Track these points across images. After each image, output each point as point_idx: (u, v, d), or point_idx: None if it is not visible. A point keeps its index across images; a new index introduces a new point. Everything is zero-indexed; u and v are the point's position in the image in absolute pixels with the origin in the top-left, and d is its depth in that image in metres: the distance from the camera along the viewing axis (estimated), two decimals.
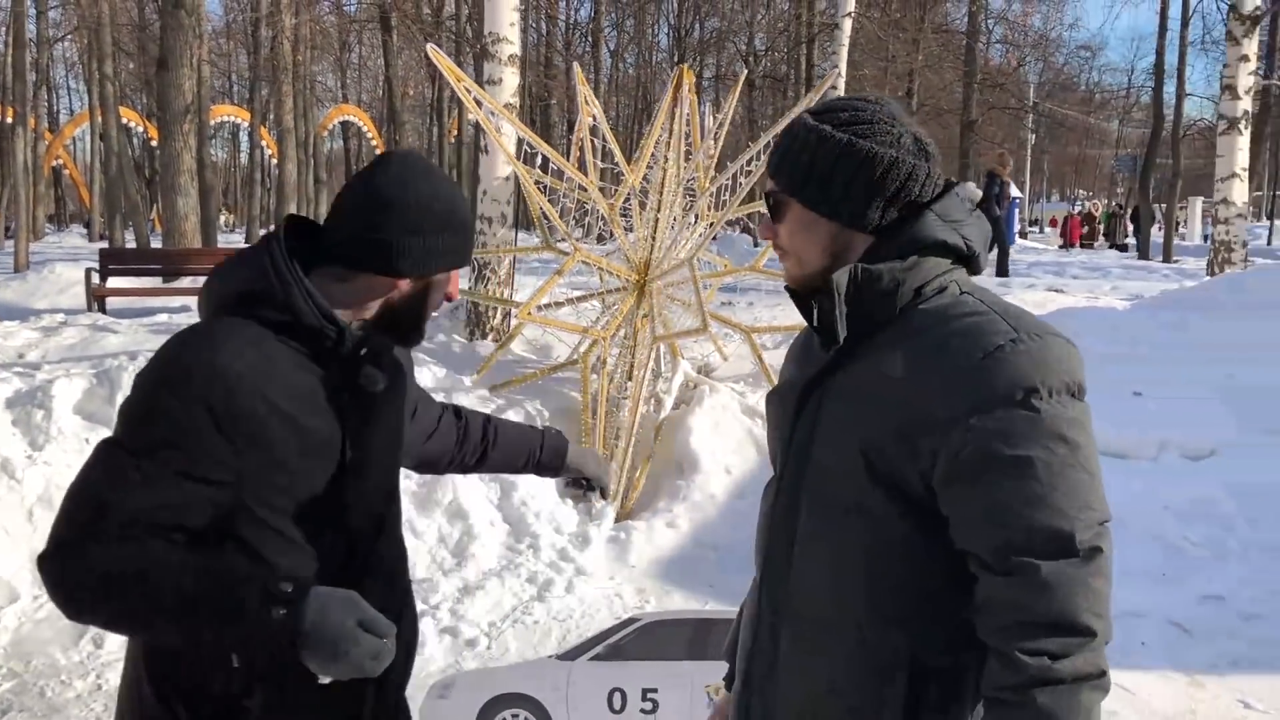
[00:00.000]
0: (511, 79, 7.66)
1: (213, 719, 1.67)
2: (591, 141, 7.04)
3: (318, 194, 33.36)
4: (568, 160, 6.88)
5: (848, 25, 14.79)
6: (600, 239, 6.93)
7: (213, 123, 28.86)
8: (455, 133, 27.13)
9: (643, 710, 3.77)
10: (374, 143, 39.58)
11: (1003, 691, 1.43)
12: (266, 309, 1.65)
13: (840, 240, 1.60)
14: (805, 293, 1.64)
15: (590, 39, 30.62)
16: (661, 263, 6.69)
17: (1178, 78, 23.63)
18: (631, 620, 3.97)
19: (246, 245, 1.76)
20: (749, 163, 6.80)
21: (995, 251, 15.29)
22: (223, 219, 25.89)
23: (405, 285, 1.75)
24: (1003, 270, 14.64)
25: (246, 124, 34.41)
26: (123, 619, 1.57)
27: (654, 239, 6.70)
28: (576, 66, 7.48)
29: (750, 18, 28.60)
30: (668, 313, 6.98)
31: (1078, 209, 36.32)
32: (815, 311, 1.62)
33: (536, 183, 6.73)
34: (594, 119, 6.88)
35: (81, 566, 1.51)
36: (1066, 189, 66.38)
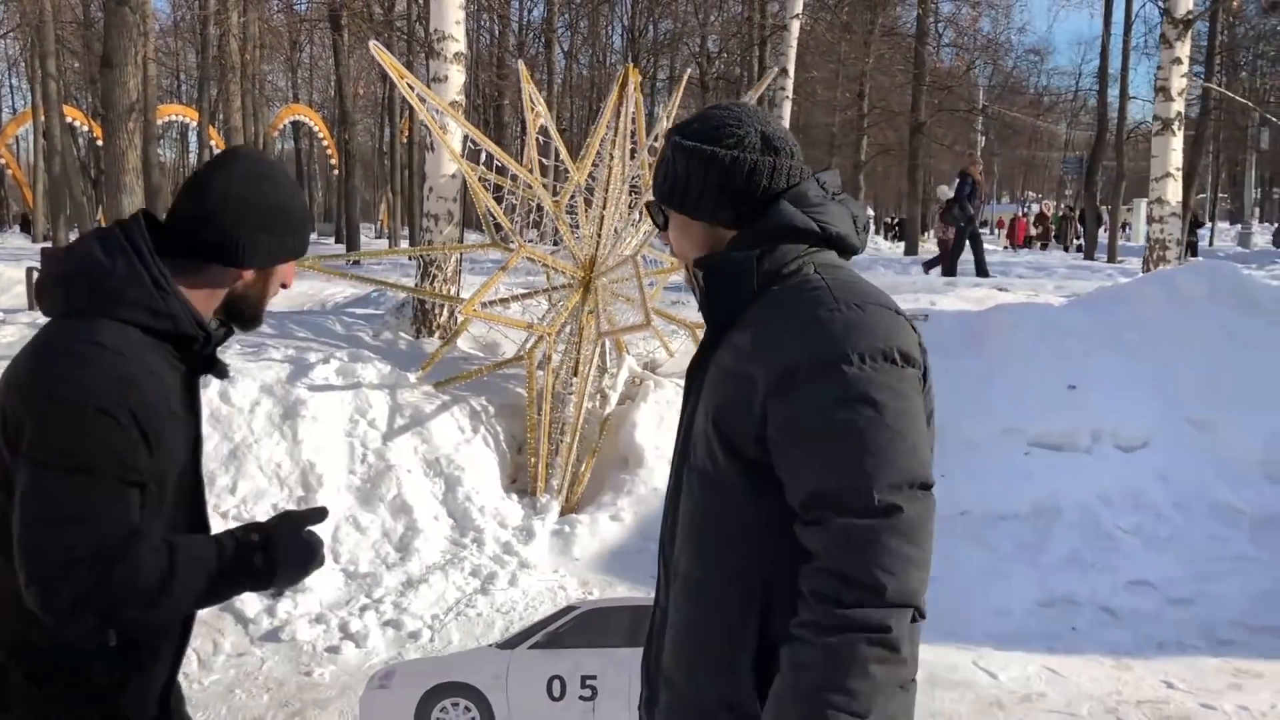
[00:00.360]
0: (457, 77, 7.67)
1: (87, 697, 1.78)
2: (538, 140, 7.09)
3: None
4: (523, 160, 6.92)
5: (796, 27, 14.93)
6: (556, 243, 6.97)
7: (160, 122, 28.45)
8: (407, 133, 27.00)
9: (581, 697, 3.81)
10: (325, 143, 39.24)
11: (797, 628, 1.53)
12: (142, 313, 1.74)
13: (712, 236, 1.77)
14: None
15: (543, 40, 30.58)
16: (606, 259, 6.75)
17: (1121, 81, 24.10)
18: (570, 608, 4.01)
19: (96, 239, 1.80)
20: None
21: (963, 249, 15.43)
22: None
23: (249, 276, 1.88)
24: (950, 270, 14.76)
25: (195, 124, 33.97)
26: (155, 613, 1.70)
27: (599, 236, 6.75)
28: (521, 65, 7.51)
29: (703, 20, 28.72)
30: (613, 309, 7.03)
31: (1023, 211, 36.89)
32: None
33: (481, 180, 6.76)
34: (538, 114, 6.92)
35: (114, 595, 1.62)
36: (1016, 191, 67.29)
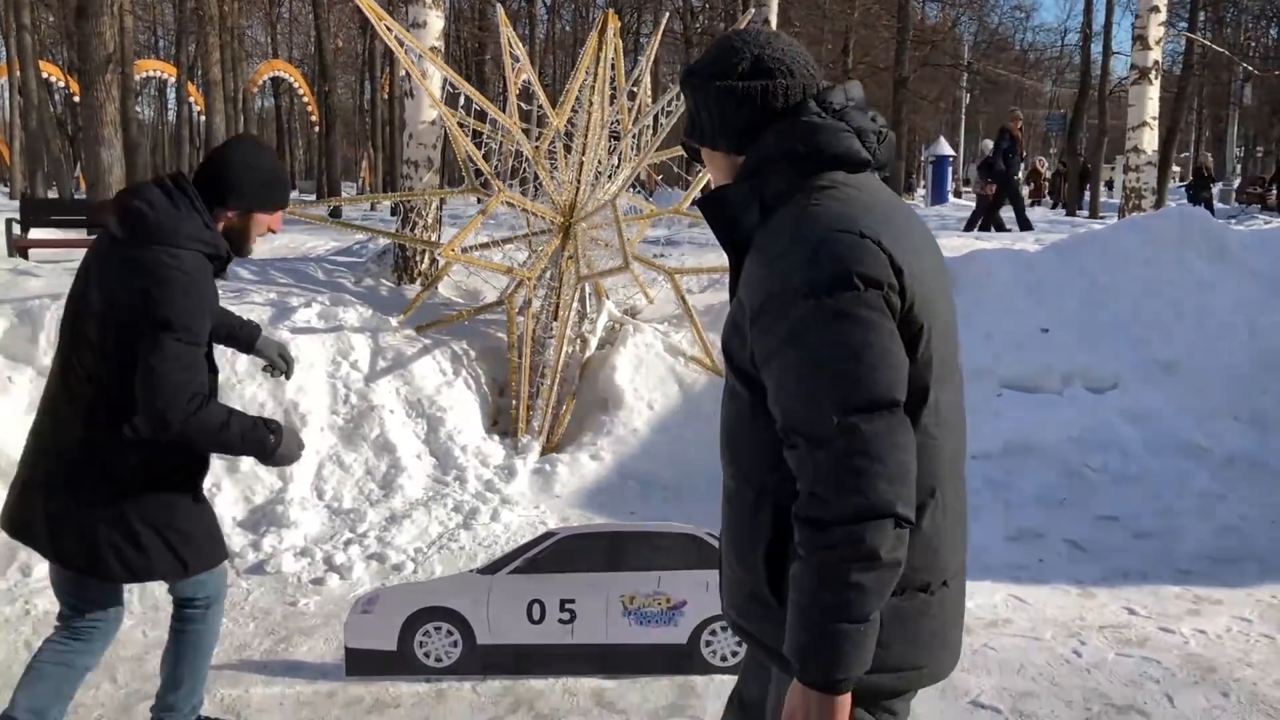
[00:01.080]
0: (436, 22, 7.66)
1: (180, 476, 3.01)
2: (519, 87, 7.10)
3: None
4: (505, 110, 6.94)
5: None
6: (536, 190, 7.00)
7: (138, 78, 28.15)
8: (388, 89, 26.79)
9: (560, 620, 3.92)
10: (306, 100, 38.82)
11: (795, 548, 1.68)
12: (199, 244, 2.89)
13: (731, 165, 1.84)
14: None
15: None
16: (586, 204, 6.80)
17: (1104, 37, 24.09)
18: (549, 535, 4.11)
19: (156, 187, 2.93)
20: (669, 103, 6.92)
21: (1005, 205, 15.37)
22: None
23: (233, 215, 3.00)
24: (1026, 225, 14.57)
25: (173, 80, 33.56)
26: (210, 444, 2.97)
27: (579, 181, 6.79)
28: (500, 10, 7.49)
29: None
30: (592, 254, 7.09)
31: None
32: None
33: (460, 125, 6.78)
34: (516, 59, 6.93)
35: (200, 423, 2.81)
36: None
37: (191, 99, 33.24)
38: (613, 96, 7.13)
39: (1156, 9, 10.96)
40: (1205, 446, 6.46)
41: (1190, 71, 23.28)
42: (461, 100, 6.91)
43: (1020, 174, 16.96)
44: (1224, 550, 5.39)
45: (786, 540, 1.72)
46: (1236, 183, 32.22)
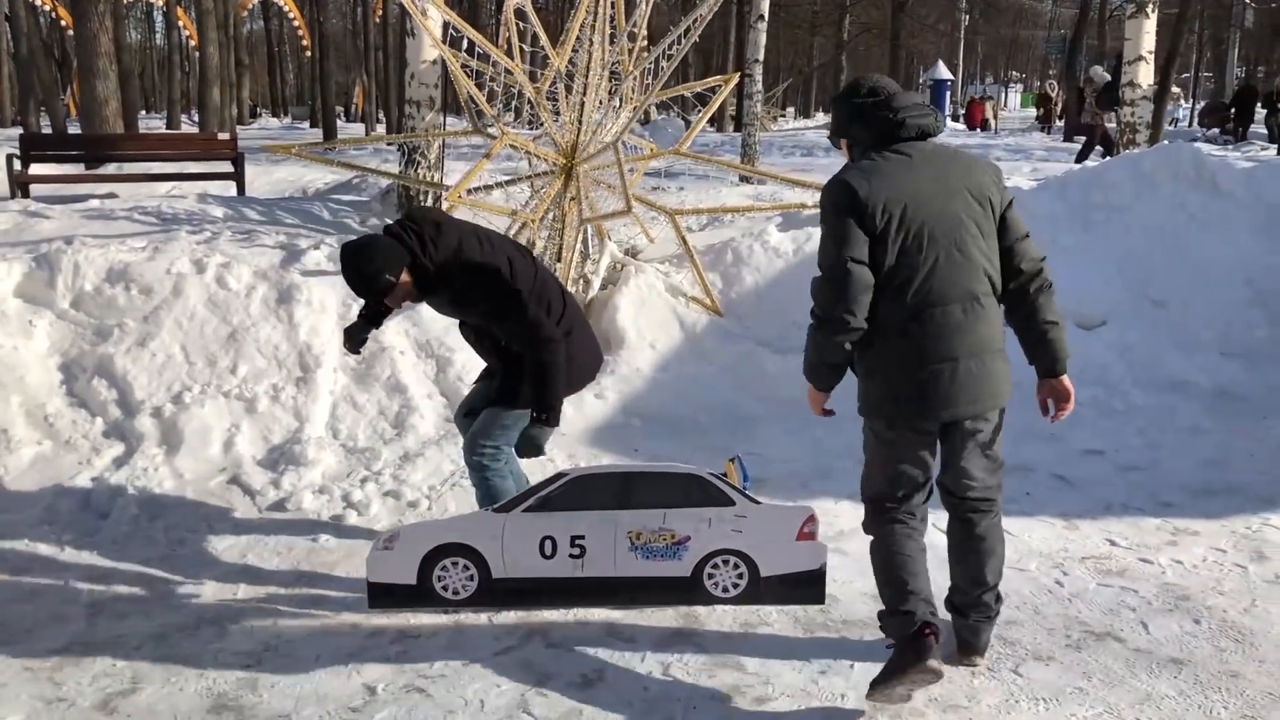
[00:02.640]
0: None
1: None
2: (518, 25, 7.12)
3: (239, 78, 32.29)
4: (496, 45, 6.96)
5: None
6: (531, 125, 7.06)
7: (126, 1, 27.68)
8: (380, 12, 26.45)
9: (571, 555, 4.13)
10: (296, 23, 38.24)
11: None
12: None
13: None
14: None
15: None
16: (588, 146, 6.87)
17: None
18: (561, 474, 4.28)
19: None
20: (671, 46, 6.96)
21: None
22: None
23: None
24: (1085, 154, 14.38)
25: (161, 3, 33.01)
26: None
27: (580, 123, 6.86)
28: None
29: None
30: (594, 196, 7.18)
31: (980, 95, 36.49)
32: None
33: (463, 66, 6.83)
34: None
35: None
36: (999, 72, 66.54)
37: (181, 23, 32.75)
38: (612, 37, 7.16)
39: None
40: (1192, 381, 6.65)
41: None
42: (465, 44, 6.93)
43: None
44: (1205, 483, 5.57)
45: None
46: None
